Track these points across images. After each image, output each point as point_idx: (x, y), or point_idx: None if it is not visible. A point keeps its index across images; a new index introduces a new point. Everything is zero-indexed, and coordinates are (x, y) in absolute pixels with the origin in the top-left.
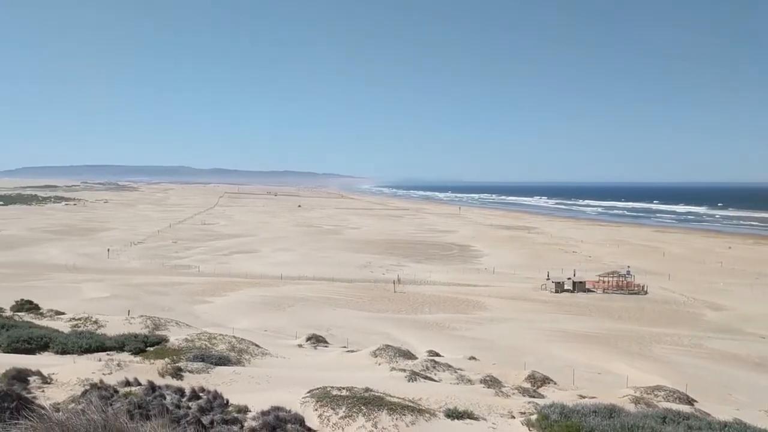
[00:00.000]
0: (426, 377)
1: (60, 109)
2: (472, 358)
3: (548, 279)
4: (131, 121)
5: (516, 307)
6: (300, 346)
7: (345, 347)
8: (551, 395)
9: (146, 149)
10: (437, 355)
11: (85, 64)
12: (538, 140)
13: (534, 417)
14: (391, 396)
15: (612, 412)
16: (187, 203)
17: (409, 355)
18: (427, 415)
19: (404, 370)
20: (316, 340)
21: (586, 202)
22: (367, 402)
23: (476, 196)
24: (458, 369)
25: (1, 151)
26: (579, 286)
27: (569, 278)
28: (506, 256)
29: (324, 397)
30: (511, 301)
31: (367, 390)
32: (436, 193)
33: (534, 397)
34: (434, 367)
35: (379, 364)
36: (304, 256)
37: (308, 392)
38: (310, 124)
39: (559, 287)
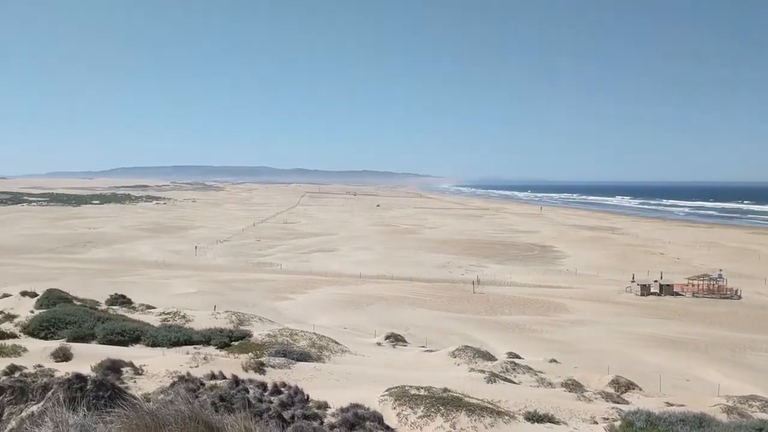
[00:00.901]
0: (505, 379)
1: (151, 113)
2: (553, 360)
3: (633, 281)
4: (218, 123)
5: (599, 309)
6: (379, 344)
7: (423, 347)
8: (636, 401)
9: (231, 150)
10: (517, 357)
11: (177, 68)
12: (622, 136)
13: (618, 423)
14: (469, 397)
15: (702, 421)
16: (269, 202)
17: (488, 357)
18: (507, 417)
19: (483, 371)
20: (395, 339)
21: (672, 202)
22: (445, 402)
23: (557, 195)
24: (538, 372)
25: (98, 153)
26: (666, 289)
27: (656, 281)
28: (589, 257)
29: (402, 395)
30: (594, 303)
31: (445, 390)
32: (516, 193)
33: (618, 402)
34: (514, 369)
35: (458, 365)
36: (383, 255)
37: (387, 390)
38: (388, 124)
39: (645, 290)
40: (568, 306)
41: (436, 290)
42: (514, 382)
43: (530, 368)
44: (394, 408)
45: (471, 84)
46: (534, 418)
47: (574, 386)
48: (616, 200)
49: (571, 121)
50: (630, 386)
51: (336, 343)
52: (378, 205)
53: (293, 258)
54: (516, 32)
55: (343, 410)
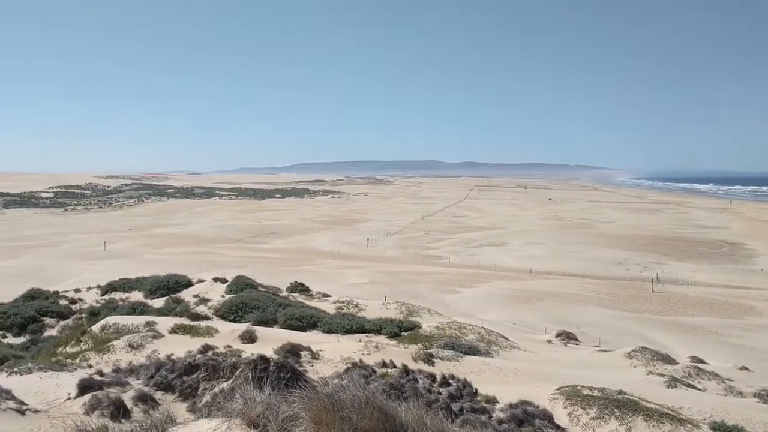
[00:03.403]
0: (688, 385)
1: (328, 111)
2: (744, 368)
3: None
4: (389, 119)
5: None
6: (549, 341)
7: (596, 346)
8: None
9: (402, 145)
10: (701, 361)
11: (356, 70)
12: None
13: None
14: (647, 401)
15: None
16: (438, 196)
17: (668, 360)
18: (689, 425)
19: (662, 375)
20: (566, 337)
21: None
22: (620, 405)
23: (745, 188)
24: (726, 379)
25: (279, 150)
26: None
27: None
28: None
29: (574, 395)
30: None
31: (620, 392)
32: (696, 185)
33: None
34: (697, 375)
35: (634, 367)
36: (554, 250)
37: (557, 389)
38: (562, 115)
39: None
40: (761, 309)
41: (611, 288)
42: (697, 389)
43: (717, 375)
44: (565, 407)
45: (659, 81)
46: (721, 429)
47: None
48: None
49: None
50: None
51: (505, 338)
52: (550, 199)
53: (462, 251)
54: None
55: (511, 406)
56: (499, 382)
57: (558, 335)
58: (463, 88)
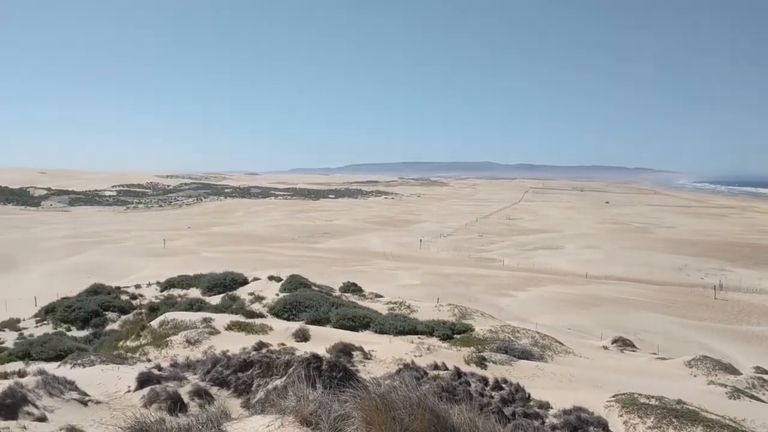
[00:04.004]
0: (752, 396)
1: (381, 112)
2: None
3: None
4: (443, 121)
5: None
6: (605, 347)
7: (654, 354)
8: None
9: (456, 146)
10: (766, 372)
11: (402, 72)
12: None
13: None
14: (707, 412)
15: None
16: (492, 198)
17: (730, 369)
18: None
19: (725, 386)
20: (623, 343)
21: None
22: (679, 415)
23: None
24: None
25: (335, 151)
26: None
27: None
28: None
29: (630, 403)
30: None
31: (679, 402)
32: (762, 189)
33: None
34: (762, 386)
35: (694, 376)
36: (611, 255)
37: (613, 396)
38: (620, 116)
39: None
40: None
41: (671, 294)
42: (763, 401)
43: None
44: (621, 415)
45: (727, 79)
46: None
47: None
48: None
49: None
50: None
51: (559, 343)
52: (607, 202)
53: (516, 254)
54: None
55: (565, 412)
56: (552, 387)
57: (614, 341)
58: (521, 89)
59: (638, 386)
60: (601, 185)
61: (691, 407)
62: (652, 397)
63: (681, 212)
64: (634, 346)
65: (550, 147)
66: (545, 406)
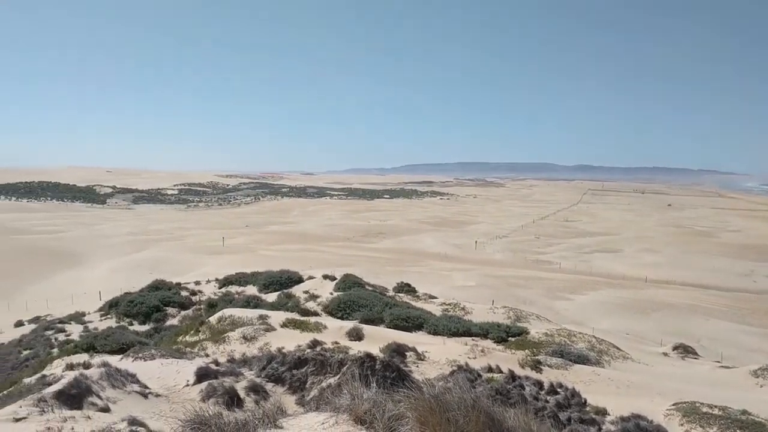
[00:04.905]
0: None
1: (437, 112)
2: None
3: None
4: (498, 120)
5: None
6: (665, 354)
7: (718, 362)
8: None
9: (513, 146)
10: None
11: (465, 73)
12: None
13: None
14: None
15: None
16: (549, 200)
17: None
18: None
19: None
20: (684, 350)
21: None
22: (744, 426)
23: None
24: None
25: (388, 152)
26: None
27: None
28: None
29: (692, 412)
30: None
31: (744, 413)
32: None
33: None
34: None
35: (761, 386)
36: (672, 259)
37: (673, 405)
38: (684, 116)
39: None
40: None
41: (736, 300)
42: None
43: None
44: (682, 425)
45: None
46: None
47: None
48: None
49: None
50: None
51: (617, 348)
52: (669, 205)
53: (573, 257)
54: None
55: (623, 419)
56: (609, 393)
57: (675, 348)
58: (581, 89)
59: (700, 395)
60: (663, 187)
61: (757, 419)
62: (715, 406)
63: (748, 216)
64: (696, 353)
65: (610, 148)
66: (602, 412)
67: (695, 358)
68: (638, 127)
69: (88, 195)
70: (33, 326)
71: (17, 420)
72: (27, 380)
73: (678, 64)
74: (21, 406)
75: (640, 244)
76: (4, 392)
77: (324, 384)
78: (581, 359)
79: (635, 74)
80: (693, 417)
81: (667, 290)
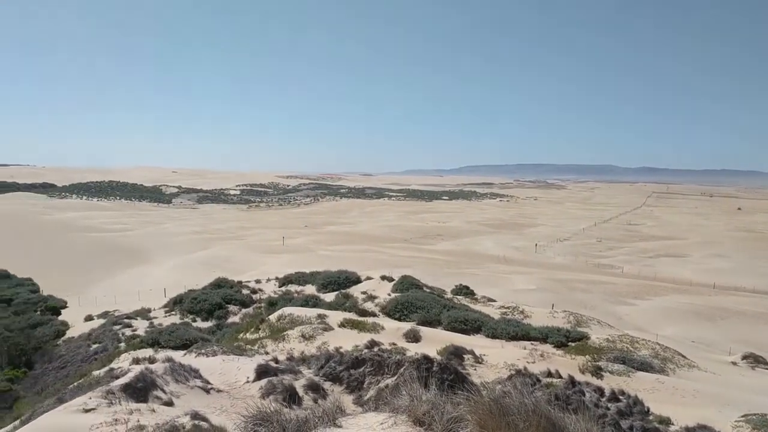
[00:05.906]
0: None
1: (497, 113)
2: None
3: None
4: (565, 121)
5: None
6: (734, 363)
7: None
8: None
9: (574, 148)
10: None
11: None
12: None
13: None
14: None
15: None
16: (612, 202)
17: None
18: None
19: None
20: (755, 360)
21: None
22: None
23: None
24: None
25: (449, 153)
26: None
27: None
28: None
29: (763, 425)
30: None
31: None
32: None
33: None
34: None
35: None
36: (742, 264)
37: (742, 416)
38: (754, 116)
39: None
40: None
41: None
42: None
43: None
44: None
45: None
46: None
47: None
48: None
49: None
50: None
51: (682, 356)
52: (739, 209)
53: (636, 261)
54: None
55: (688, 429)
56: (674, 402)
57: (745, 357)
58: (646, 89)
59: None
60: (733, 190)
61: None
62: None
63: None
64: (767, 363)
65: (675, 149)
66: (666, 421)
67: (766, 369)
68: (704, 128)
69: (155, 194)
70: (102, 321)
71: (87, 411)
72: (96, 373)
73: (745, 62)
74: (90, 398)
75: (708, 249)
76: (75, 384)
77: (381, 384)
78: (644, 366)
79: (705, 74)
80: (764, 429)
81: (736, 297)
